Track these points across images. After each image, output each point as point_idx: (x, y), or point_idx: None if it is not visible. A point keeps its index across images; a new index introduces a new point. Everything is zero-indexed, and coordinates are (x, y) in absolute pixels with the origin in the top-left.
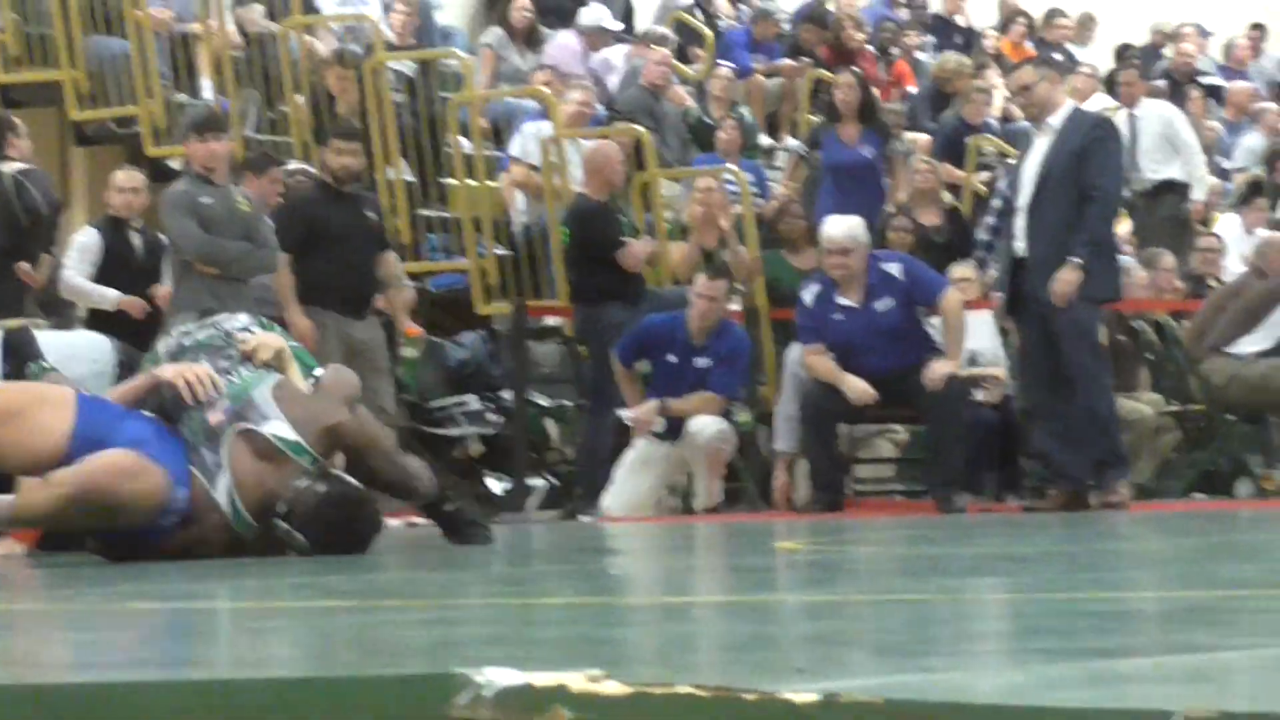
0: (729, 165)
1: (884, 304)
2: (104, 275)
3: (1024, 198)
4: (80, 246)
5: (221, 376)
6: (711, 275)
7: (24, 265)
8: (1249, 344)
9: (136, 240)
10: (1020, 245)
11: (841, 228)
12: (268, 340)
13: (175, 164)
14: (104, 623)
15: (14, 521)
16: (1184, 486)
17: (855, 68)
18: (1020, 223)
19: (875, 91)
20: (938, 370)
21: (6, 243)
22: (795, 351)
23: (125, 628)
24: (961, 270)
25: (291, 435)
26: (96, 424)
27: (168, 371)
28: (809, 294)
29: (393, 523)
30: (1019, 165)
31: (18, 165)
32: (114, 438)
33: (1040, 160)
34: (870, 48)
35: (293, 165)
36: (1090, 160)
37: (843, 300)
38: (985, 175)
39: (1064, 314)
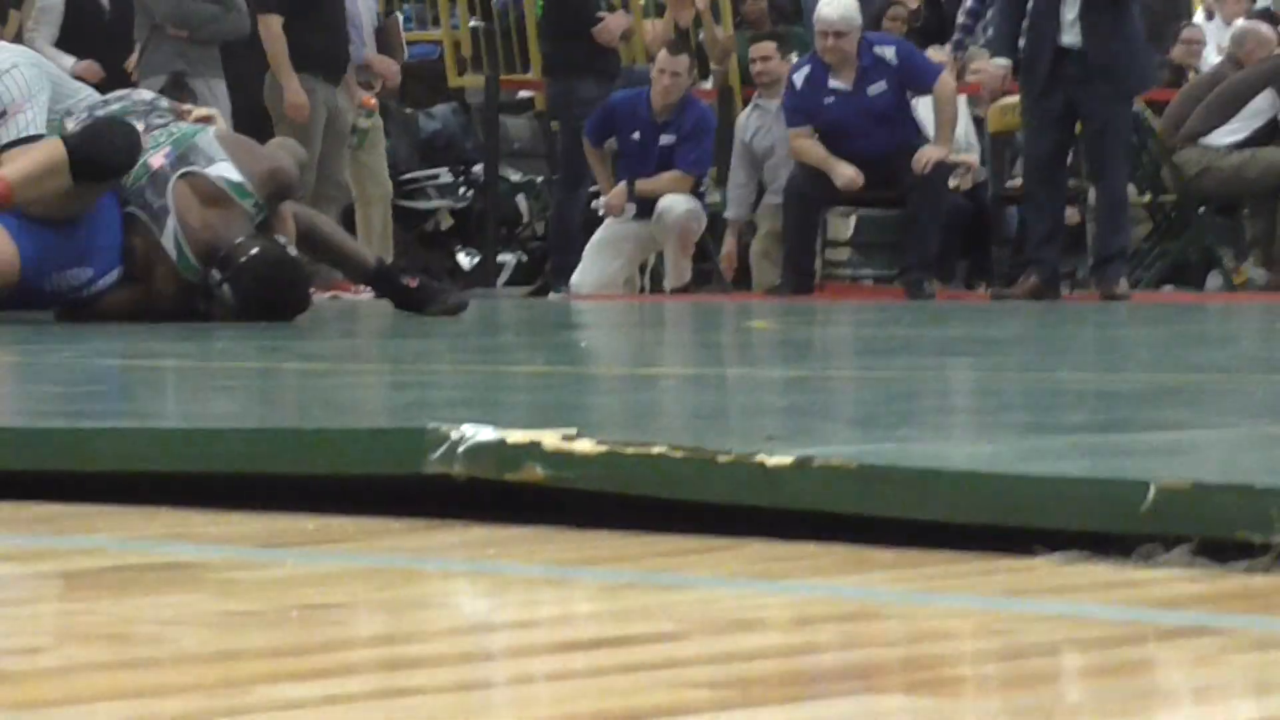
0: None
1: (876, 88)
2: (71, 37)
3: None
4: (42, 7)
5: (150, 134)
6: (673, 50)
7: None
8: (1223, 135)
9: None
10: (1071, 38)
11: (836, 9)
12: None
13: None
14: (80, 377)
15: None
16: (1154, 278)
17: None
18: (1070, 14)
19: None
20: (928, 155)
21: None
22: (744, 118)
23: (102, 381)
24: (936, 54)
25: (236, 176)
26: None
27: None
28: (799, 76)
29: (320, 296)
30: None
31: None
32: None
33: None
34: None
35: None
36: None
37: (834, 83)
38: None
39: (1113, 108)
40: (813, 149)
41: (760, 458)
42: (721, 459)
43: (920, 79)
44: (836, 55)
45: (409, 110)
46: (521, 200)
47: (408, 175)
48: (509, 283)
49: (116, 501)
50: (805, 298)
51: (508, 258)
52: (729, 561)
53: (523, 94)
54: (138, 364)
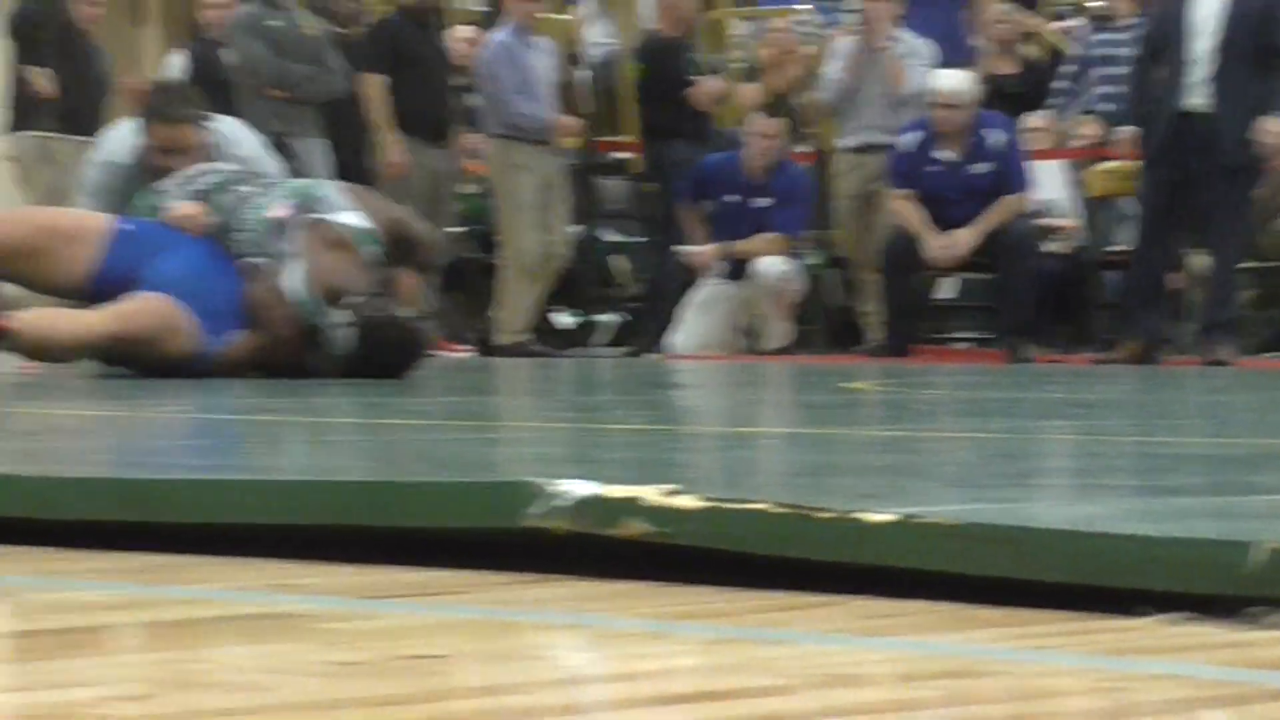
0: (801, 6)
1: (981, 166)
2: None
3: (1200, 51)
4: (168, 70)
5: (265, 192)
6: (766, 114)
7: (37, 75)
8: None
9: (227, 58)
10: (1199, 100)
11: (952, 81)
12: None
13: None
14: (182, 431)
15: (47, 346)
16: (1256, 344)
17: None
18: (1197, 76)
19: None
20: (958, 237)
21: (21, 54)
22: (841, 45)
23: (204, 435)
24: (1035, 120)
25: (364, 223)
26: (127, 260)
27: (168, 214)
28: (908, 140)
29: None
30: (1174, 14)
31: None
32: (144, 274)
33: (1219, 15)
34: None
35: None
36: (1276, 20)
37: (940, 153)
38: (1059, 24)
39: (1246, 176)
40: (912, 215)
41: (860, 515)
42: (821, 516)
43: (1010, 183)
44: (948, 126)
45: None
46: (618, 261)
47: None
48: (606, 343)
49: (221, 553)
50: (904, 360)
51: (605, 318)
52: (831, 617)
53: (618, 156)
54: (241, 419)
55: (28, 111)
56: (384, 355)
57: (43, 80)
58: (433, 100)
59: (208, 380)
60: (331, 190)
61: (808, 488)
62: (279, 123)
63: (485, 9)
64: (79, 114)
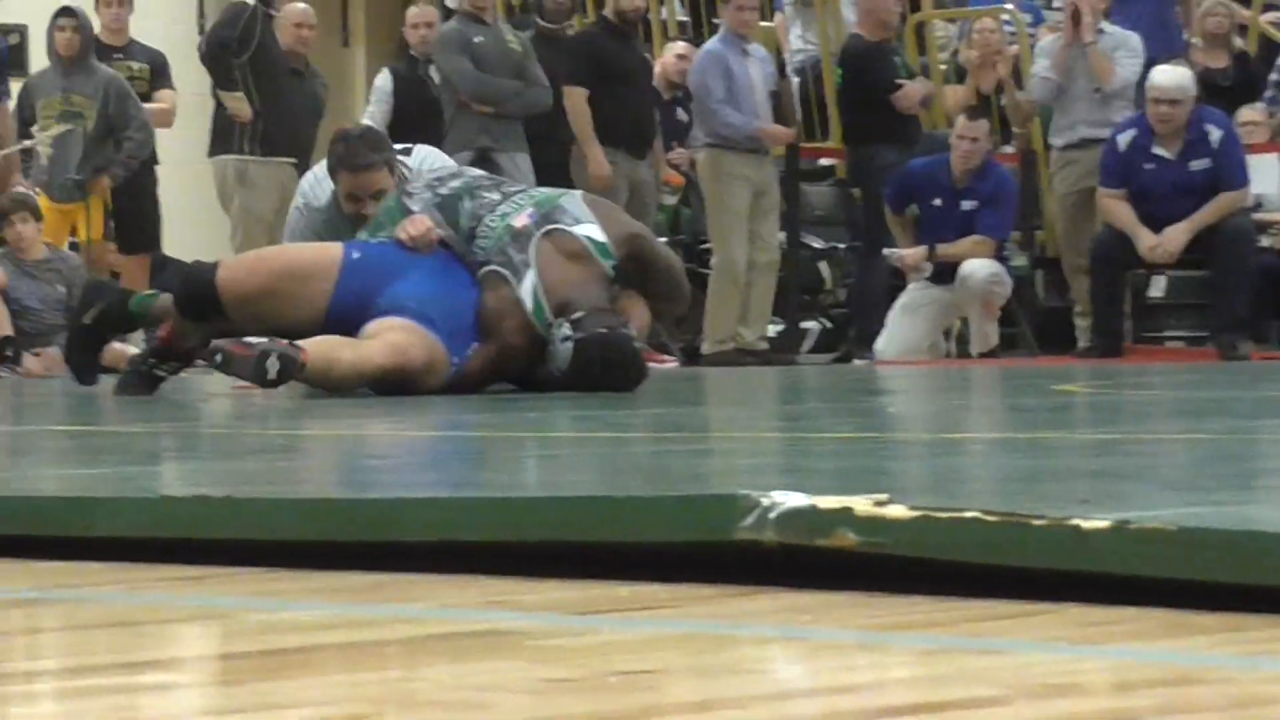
0: (1007, 5)
1: (1199, 163)
2: (400, 115)
3: None
4: (376, 90)
5: (509, 200)
6: (972, 116)
7: (232, 99)
8: None
9: (435, 76)
10: None
11: (1172, 78)
12: None
13: (450, 2)
14: (394, 448)
15: (330, 377)
16: None
17: None
18: None
19: None
20: (1172, 234)
21: (217, 79)
22: (1048, 43)
23: (416, 452)
24: (1249, 114)
25: (601, 237)
26: (359, 289)
27: (400, 233)
28: (1123, 138)
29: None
30: None
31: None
32: (380, 301)
33: None
34: None
35: None
36: None
37: (1158, 150)
38: (1273, 15)
39: None
40: (1122, 212)
41: (1075, 521)
42: (1036, 523)
43: (1229, 178)
44: (1167, 125)
45: None
46: (824, 267)
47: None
48: (812, 350)
49: (433, 570)
50: (1115, 360)
51: (811, 325)
52: (1046, 626)
53: (823, 161)
54: (449, 435)
55: (226, 135)
56: (600, 371)
57: (239, 105)
58: (635, 112)
59: (422, 396)
60: (573, 202)
61: (1021, 494)
62: (485, 138)
63: (688, 19)
64: (279, 138)
